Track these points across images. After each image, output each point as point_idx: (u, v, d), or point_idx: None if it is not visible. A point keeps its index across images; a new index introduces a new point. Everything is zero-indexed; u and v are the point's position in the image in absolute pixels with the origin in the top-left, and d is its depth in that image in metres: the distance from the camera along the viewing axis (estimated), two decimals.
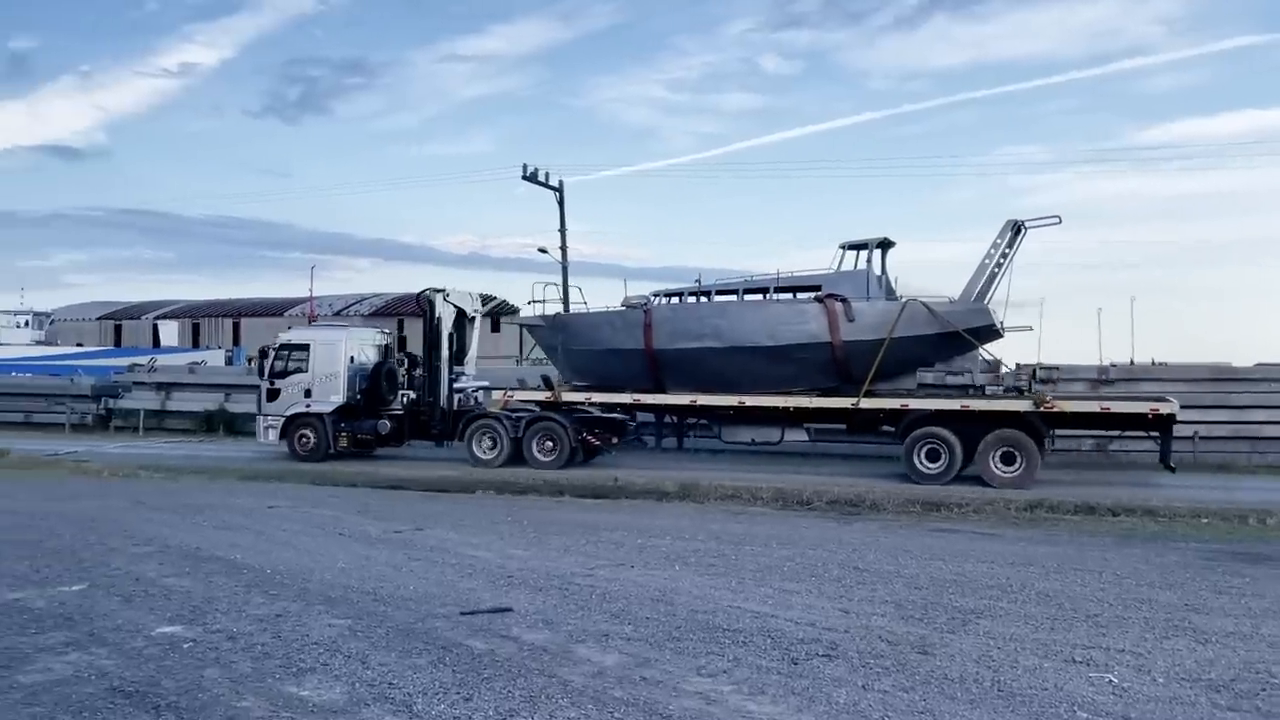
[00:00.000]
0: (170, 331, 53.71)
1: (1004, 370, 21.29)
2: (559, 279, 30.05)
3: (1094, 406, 16.83)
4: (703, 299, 19.75)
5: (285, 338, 21.83)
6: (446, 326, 20.38)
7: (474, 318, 21.51)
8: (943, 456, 16.38)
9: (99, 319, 58.06)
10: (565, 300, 27.37)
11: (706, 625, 6.71)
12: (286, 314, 48.61)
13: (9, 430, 27.05)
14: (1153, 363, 22.85)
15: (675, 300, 20.05)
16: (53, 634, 6.23)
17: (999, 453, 16.11)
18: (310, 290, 46.28)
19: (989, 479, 15.99)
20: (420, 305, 21.03)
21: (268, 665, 5.63)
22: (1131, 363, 22.44)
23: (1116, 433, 18.40)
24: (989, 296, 17.76)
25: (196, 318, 55.31)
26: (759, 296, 19.13)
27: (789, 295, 18.85)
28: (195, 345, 51.25)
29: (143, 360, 31.54)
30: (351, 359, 20.69)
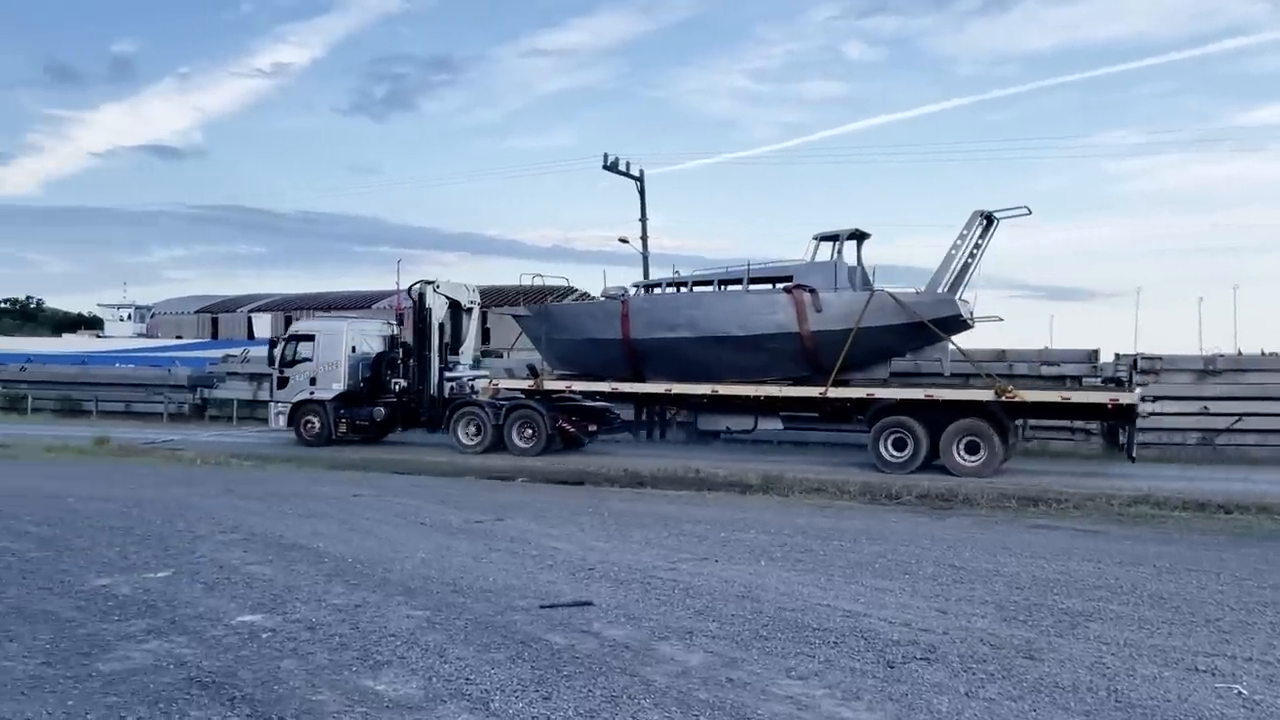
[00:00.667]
0: (264, 324, 55.04)
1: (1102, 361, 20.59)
2: (639, 270, 29.87)
3: (1055, 396, 16.73)
4: (681, 290, 19.79)
5: (294, 329, 23.24)
6: (437, 317, 21.17)
7: (470, 309, 22.37)
8: (908, 445, 16.43)
9: (197, 312, 59.89)
10: (648, 292, 27.13)
11: (795, 624, 6.41)
12: (374, 306, 49.39)
13: (111, 419, 28.04)
14: (1262, 353, 21.72)
15: (653, 291, 20.34)
16: (135, 621, 6.22)
17: (963, 442, 16.17)
18: (397, 283, 46.93)
19: (952, 468, 16.01)
20: (411, 297, 21.77)
21: (345, 657, 5.52)
22: (1239, 353, 21.38)
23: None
24: (962, 287, 17.60)
25: (289, 310, 56.55)
26: (736, 287, 19.18)
27: (768, 286, 18.86)
28: None
29: (236, 352, 32.33)
30: (353, 349, 21.65)
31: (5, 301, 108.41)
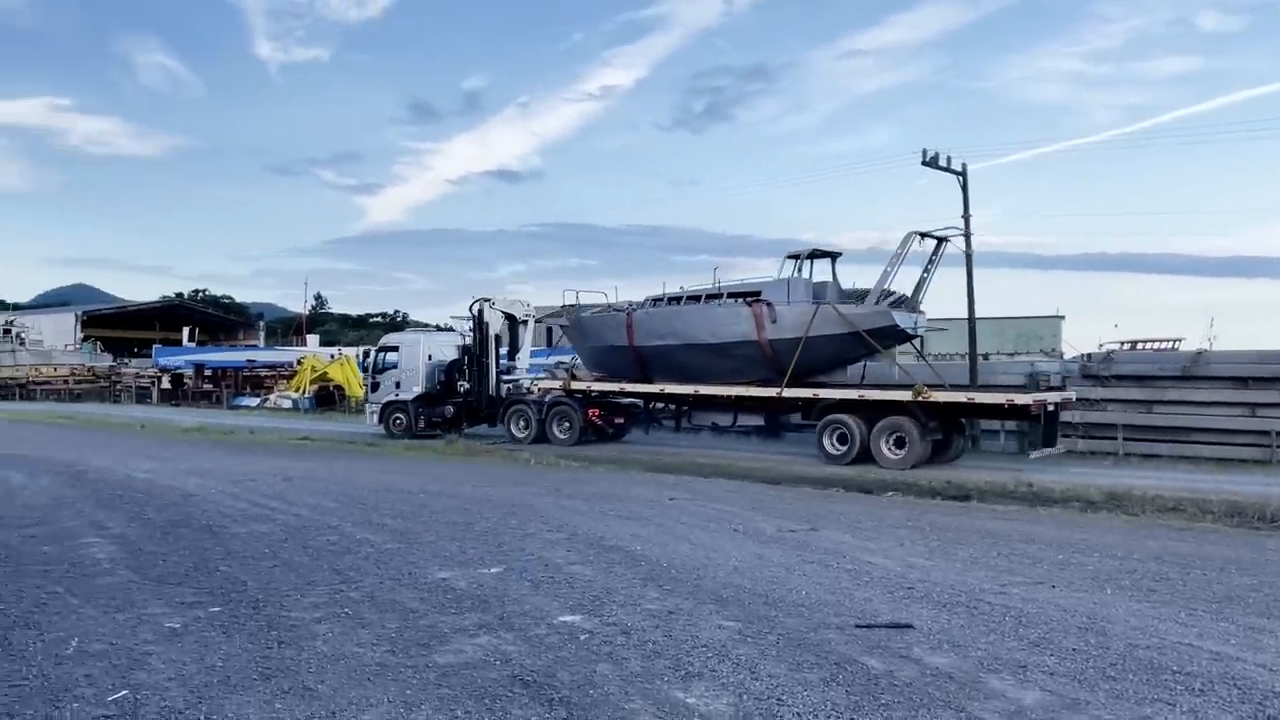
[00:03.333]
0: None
1: None
2: (963, 270, 28.34)
3: (961, 397, 18.42)
4: (674, 303, 22.38)
5: (382, 341, 27.77)
6: (494, 329, 25.13)
7: (526, 321, 26.50)
8: (848, 440, 18.64)
9: (535, 322, 64.43)
10: (970, 289, 25.70)
11: (1149, 664, 5.65)
12: None
13: None
14: None
15: (654, 305, 22.83)
16: (469, 615, 6.62)
17: (892, 437, 18.25)
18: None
19: (880, 460, 18.13)
20: (471, 312, 25.28)
21: (657, 665, 5.53)
22: None
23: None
24: (919, 301, 19.93)
25: None
26: (711, 301, 21.66)
27: (737, 300, 21.05)
28: None
29: (567, 359, 34.37)
30: (430, 357, 25.72)
31: (379, 315, 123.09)
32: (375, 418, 26.08)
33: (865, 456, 18.32)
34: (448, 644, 5.92)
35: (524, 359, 26.56)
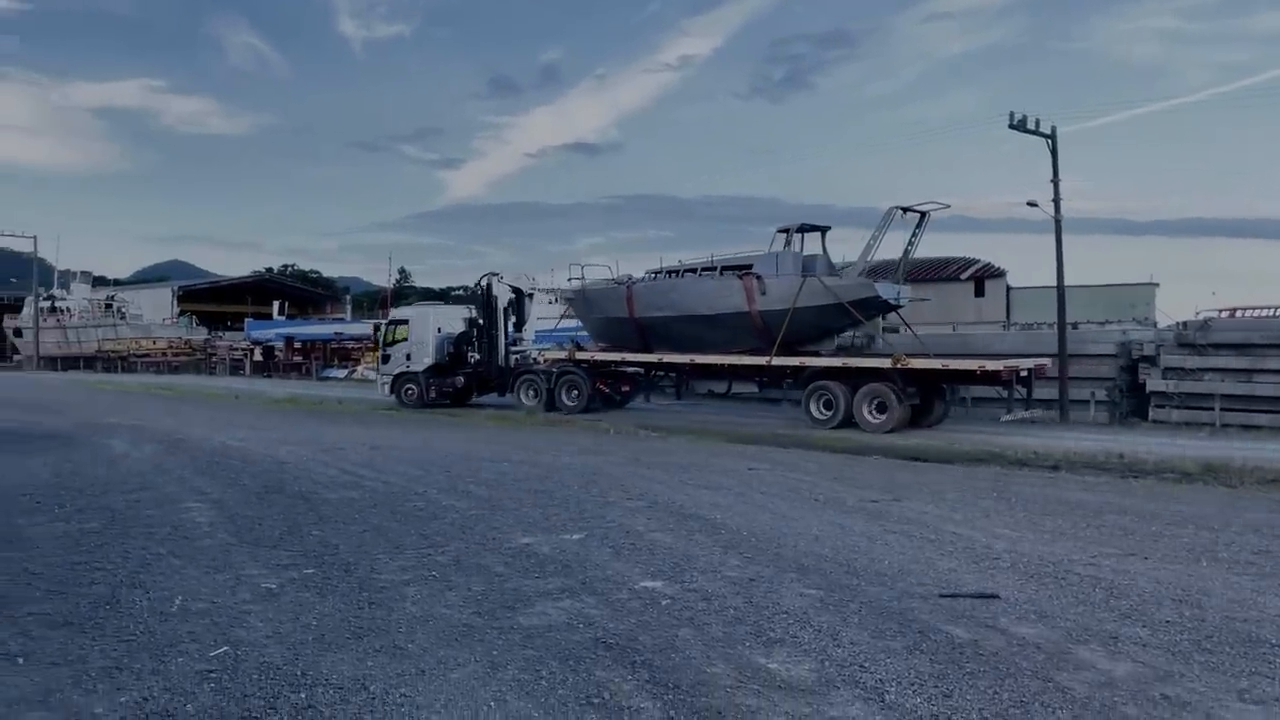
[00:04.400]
0: None
1: None
2: (1052, 236, 27.52)
3: (936, 364, 19.30)
4: (673, 276, 23.49)
5: (392, 315, 28.89)
6: (501, 302, 25.79)
7: (532, 294, 27.27)
8: (834, 405, 19.67)
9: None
10: (1059, 261, 24.97)
11: (1247, 637, 5.48)
12: None
13: None
14: None
15: (653, 278, 23.95)
16: (552, 579, 6.73)
17: (874, 403, 19.18)
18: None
19: (862, 424, 19.12)
20: (479, 287, 26.20)
21: (738, 631, 5.55)
22: None
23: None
24: (900, 273, 21.33)
25: None
26: (706, 274, 22.67)
27: (730, 272, 22.02)
28: None
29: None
30: (439, 329, 26.40)
31: (460, 289, 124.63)
32: (387, 388, 26.90)
33: (849, 421, 19.37)
34: (532, 607, 6.04)
35: (530, 331, 27.56)
